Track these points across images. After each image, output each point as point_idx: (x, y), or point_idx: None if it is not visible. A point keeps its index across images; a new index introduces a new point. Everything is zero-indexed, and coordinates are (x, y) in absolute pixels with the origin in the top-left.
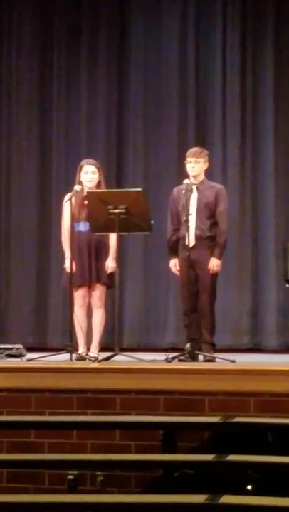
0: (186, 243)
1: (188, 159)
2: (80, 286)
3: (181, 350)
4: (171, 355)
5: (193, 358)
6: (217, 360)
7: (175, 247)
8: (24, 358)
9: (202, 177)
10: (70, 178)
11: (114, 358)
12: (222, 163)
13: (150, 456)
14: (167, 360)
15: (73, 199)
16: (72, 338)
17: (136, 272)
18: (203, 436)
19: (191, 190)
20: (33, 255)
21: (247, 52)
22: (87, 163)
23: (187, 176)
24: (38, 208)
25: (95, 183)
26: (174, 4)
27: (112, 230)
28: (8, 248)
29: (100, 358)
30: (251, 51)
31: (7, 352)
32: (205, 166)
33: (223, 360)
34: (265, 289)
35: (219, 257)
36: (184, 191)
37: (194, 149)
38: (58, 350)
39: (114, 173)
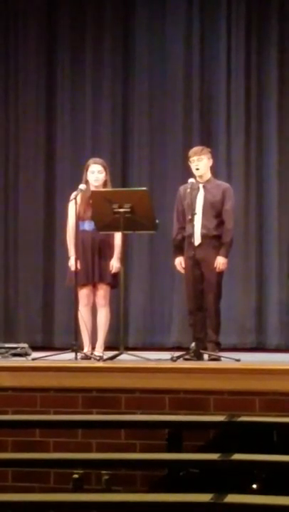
0: (192, 241)
1: (190, 159)
2: (84, 285)
3: (186, 349)
4: (177, 354)
5: (199, 357)
6: (222, 359)
7: (180, 245)
8: (29, 357)
9: (208, 175)
10: (76, 178)
11: (120, 357)
12: (227, 163)
13: (155, 456)
14: (172, 360)
15: (78, 198)
16: (77, 337)
17: (141, 271)
18: (208, 436)
19: (198, 188)
20: (40, 255)
21: (251, 53)
22: (94, 163)
23: (192, 175)
24: (44, 208)
25: (101, 182)
26: (178, 5)
27: (117, 229)
28: (16, 248)
29: (104, 357)
30: (255, 51)
31: (12, 351)
32: (209, 162)
33: (229, 359)
34: (269, 288)
35: (226, 256)
36: (188, 190)
37: (195, 148)
38: (65, 349)
39: (119, 172)
